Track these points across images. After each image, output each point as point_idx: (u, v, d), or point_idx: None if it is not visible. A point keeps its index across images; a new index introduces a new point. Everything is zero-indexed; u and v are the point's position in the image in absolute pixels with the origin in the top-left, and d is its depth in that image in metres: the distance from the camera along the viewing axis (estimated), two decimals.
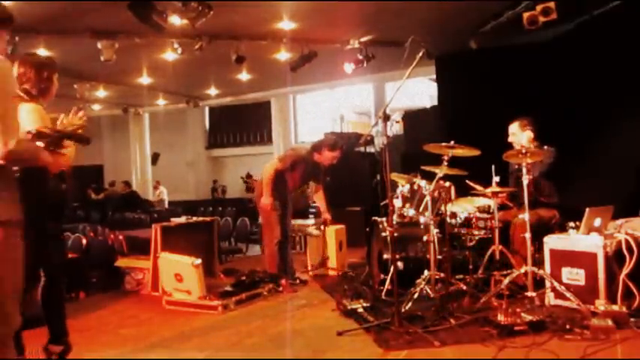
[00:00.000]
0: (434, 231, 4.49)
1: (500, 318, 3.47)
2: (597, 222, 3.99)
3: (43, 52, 8.59)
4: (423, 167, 4.75)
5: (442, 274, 4.38)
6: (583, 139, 6.03)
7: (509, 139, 4.89)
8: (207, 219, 6.49)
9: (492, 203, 4.62)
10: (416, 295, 4.21)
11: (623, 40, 5.69)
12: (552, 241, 4.14)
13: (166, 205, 14.75)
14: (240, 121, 17.45)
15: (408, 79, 3.89)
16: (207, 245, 6.00)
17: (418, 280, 4.36)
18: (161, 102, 15.71)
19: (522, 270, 4.08)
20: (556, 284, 3.91)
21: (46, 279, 3.24)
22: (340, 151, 5.59)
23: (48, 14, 7.01)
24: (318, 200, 6.00)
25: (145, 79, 11.84)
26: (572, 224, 4.15)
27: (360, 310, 4.11)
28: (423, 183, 4.59)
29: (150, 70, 11.09)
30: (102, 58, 7.97)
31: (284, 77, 10.02)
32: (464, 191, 4.98)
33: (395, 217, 4.59)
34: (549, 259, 4.12)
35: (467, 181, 4.74)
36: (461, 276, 4.64)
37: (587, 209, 3.98)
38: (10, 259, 2.12)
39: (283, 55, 9.35)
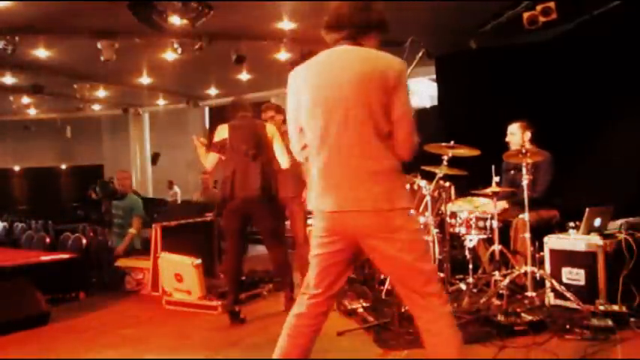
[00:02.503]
0: (434, 231, 4.49)
1: (500, 318, 3.47)
2: (597, 222, 4.00)
3: (42, 52, 8.62)
4: (423, 167, 4.75)
5: (442, 274, 4.38)
6: (583, 139, 6.02)
7: (507, 139, 4.90)
8: (207, 219, 6.48)
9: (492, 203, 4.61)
10: None
11: (623, 40, 5.69)
12: (552, 241, 4.14)
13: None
14: None
15: (408, 79, 3.88)
16: (207, 245, 6.00)
17: None
18: (161, 102, 15.71)
19: (522, 270, 4.08)
20: (556, 284, 3.91)
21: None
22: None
23: (48, 14, 7.00)
24: None
25: (145, 79, 11.84)
26: (572, 224, 4.15)
27: (360, 310, 4.11)
28: (423, 183, 4.59)
29: (150, 70, 11.08)
30: (102, 58, 7.97)
31: (284, 77, 9.98)
32: (464, 191, 4.98)
33: None
34: (549, 259, 4.12)
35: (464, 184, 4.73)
36: (461, 276, 4.65)
37: (587, 209, 3.98)
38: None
39: (283, 55, 9.34)
